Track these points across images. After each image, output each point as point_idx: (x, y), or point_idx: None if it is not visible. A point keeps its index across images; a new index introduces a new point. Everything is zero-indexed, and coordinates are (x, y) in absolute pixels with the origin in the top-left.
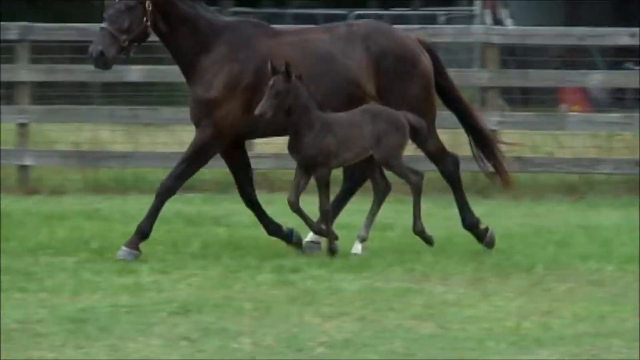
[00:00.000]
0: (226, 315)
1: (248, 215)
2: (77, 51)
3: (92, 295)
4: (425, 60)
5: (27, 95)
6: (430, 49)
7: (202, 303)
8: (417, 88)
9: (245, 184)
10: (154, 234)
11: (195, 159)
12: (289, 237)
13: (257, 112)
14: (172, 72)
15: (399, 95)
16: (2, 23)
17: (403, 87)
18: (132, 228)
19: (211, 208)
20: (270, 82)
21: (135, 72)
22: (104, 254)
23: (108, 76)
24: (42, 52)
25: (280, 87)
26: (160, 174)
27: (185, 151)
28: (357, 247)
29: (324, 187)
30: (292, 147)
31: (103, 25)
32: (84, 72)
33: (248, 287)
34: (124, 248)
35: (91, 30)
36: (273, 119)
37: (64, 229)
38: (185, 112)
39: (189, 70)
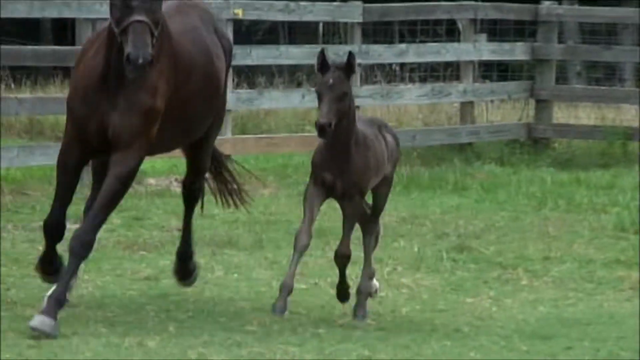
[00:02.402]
0: None
1: None
2: None
3: None
4: None
5: None
6: None
7: None
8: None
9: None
10: None
11: (120, 196)
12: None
13: (322, 120)
14: None
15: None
16: None
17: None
18: None
19: None
20: (330, 81)
21: None
22: None
23: None
24: None
25: (345, 87)
26: None
27: (109, 190)
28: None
29: (355, 223)
30: (331, 170)
31: (140, 17)
32: None
33: None
34: (41, 318)
35: None
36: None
37: None
38: None
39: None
